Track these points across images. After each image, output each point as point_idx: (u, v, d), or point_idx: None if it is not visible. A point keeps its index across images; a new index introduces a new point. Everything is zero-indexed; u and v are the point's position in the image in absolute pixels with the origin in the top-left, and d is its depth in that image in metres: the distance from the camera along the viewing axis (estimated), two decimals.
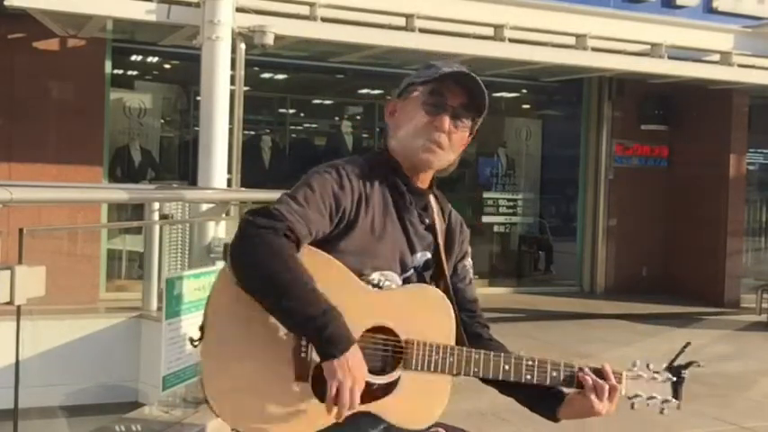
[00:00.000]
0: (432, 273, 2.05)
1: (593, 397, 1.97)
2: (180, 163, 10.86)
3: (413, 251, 2.01)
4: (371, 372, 1.84)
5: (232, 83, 7.27)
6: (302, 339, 1.81)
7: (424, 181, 2.07)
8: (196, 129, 8.34)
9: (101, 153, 9.22)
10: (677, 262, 11.64)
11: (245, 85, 7.76)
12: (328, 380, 1.76)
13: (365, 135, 12.60)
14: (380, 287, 1.93)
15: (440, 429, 2.02)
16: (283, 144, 11.87)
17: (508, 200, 12.12)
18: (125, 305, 7.24)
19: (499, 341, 2.17)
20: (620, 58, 9.50)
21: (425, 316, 1.94)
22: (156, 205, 6.32)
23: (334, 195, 1.89)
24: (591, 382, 1.97)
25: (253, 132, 11.19)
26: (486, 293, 11.07)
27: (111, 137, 9.58)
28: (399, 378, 1.88)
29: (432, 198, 2.11)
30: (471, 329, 2.13)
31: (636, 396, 2.04)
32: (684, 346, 2.06)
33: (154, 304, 6.35)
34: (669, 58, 9.49)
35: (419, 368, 1.88)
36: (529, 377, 1.96)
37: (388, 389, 1.88)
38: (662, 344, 8.49)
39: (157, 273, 6.35)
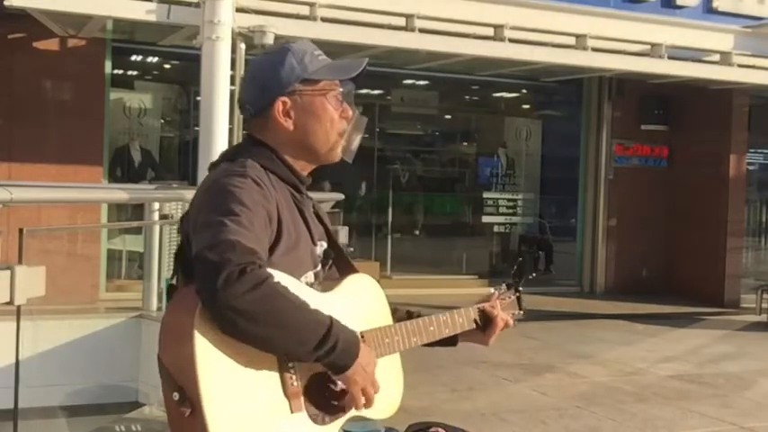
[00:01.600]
0: (332, 259, 2.01)
1: (490, 332, 2.19)
2: (180, 163, 10.87)
3: (314, 244, 1.96)
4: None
5: (232, 83, 7.27)
6: (290, 371, 1.74)
7: (308, 171, 2.01)
8: (196, 129, 8.34)
9: (101, 153, 9.22)
10: (677, 262, 11.64)
11: None
12: (350, 388, 1.75)
13: (365, 135, 12.58)
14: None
15: (440, 429, 2.02)
16: None
17: (508, 200, 12.12)
18: (125, 305, 7.25)
19: None
20: (620, 58, 9.50)
21: (368, 303, 1.96)
22: (156, 205, 6.33)
23: (266, 210, 1.78)
24: (499, 324, 2.19)
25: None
26: (486, 293, 11.03)
27: (111, 137, 9.58)
28: None
29: None
30: None
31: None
32: (518, 261, 2.38)
33: (154, 304, 6.35)
34: (669, 58, 9.49)
35: (377, 356, 1.88)
36: (447, 330, 2.10)
37: None
38: (662, 344, 8.50)
39: (157, 273, 6.36)
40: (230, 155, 1.93)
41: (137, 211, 7.59)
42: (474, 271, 12.07)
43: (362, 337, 1.85)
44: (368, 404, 1.77)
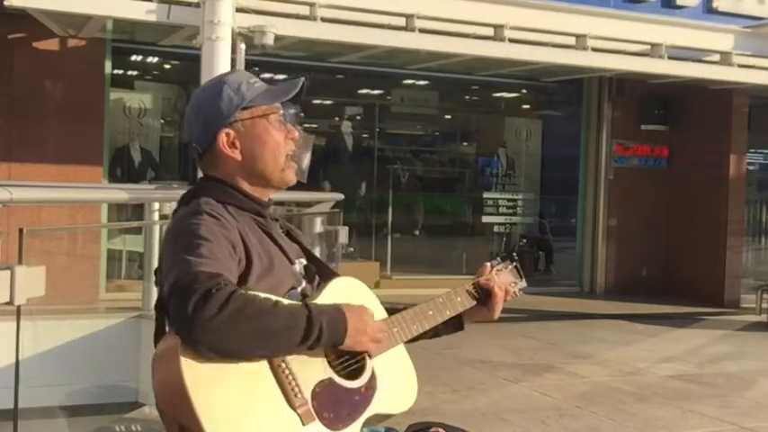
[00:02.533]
0: (315, 273, 2.02)
1: (492, 304, 2.21)
2: (180, 163, 10.87)
3: (291, 263, 1.97)
4: (350, 378, 1.84)
5: None
6: (291, 384, 1.72)
7: (267, 194, 2.02)
8: None
9: (101, 153, 9.22)
10: (677, 262, 11.64)
11: None
12: (358, 348, 1.81)
13: (365, 135, 12.61)
14: None
15: (440, 429, 2.02)
16: None
17: (508, 200, 12.12)
18: (125, 305, 7.24)
19: None
20: (620, 58, 9.50)
21: (360, 301, 1.93)
22: (156, 205, 6.32)
23: (228, 240, 1.78)
24: (499, 295, 2.21)
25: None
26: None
27: (111, 137, 9.58)
28: (374, 370, 1.89)
29: None
30: None
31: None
32: (514, 246, 2.34)
33: (154, 304, 6.34)
34: (669, 58, 9.49)
35: (380, 351, 1.90)
36: (448, 312, 2.11)
37: (372, 385, 1.88)
38: (662, 344, 8.50)
39: None
40: (186, 199, 1.95)
41: (137, 211, 7.59)
42: (474, 271, 11.73)
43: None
44: (383, 345, 1.86)
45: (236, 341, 1.63)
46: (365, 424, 1.84)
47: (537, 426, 5.25)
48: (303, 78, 2.00)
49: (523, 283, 2.33)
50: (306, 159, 1.89)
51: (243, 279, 1.79)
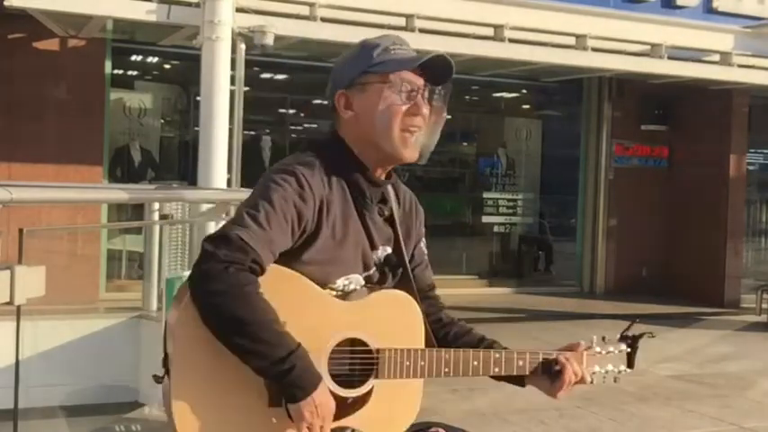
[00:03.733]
0: (393, 266, 1.99)
1: (559, 385, 2.03)
2: (180, 163, 10.86)
3: (374, 248, 1.94)
4: (344, 385, 1.82)
5: (232, 83, 7.27)
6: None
7: (383, 171, 1.96)
8: (196, 129, 8.34)
9: (101, 153, 9.22)
10: (677, 262, 11.63)
11: (245, 86, 7.76)
12: (296, 422, 1.73)
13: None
14: (345, 291, 1.89)
15: (440, 429, 2.01)
16: (283, 144, 11.86)
17: (508, 200, 12.12)
18: (125, 305, 7.25)
19: (456, 320, 2.15)
20: (620, 58, 9.50)
21: (395, 321, 1.90)
22: (156, 205, 6.32)
23: (297, 209, 1.79)
24: (566, 379, 2.02)
25: (253, 132, 11.18)
26: (486, 293, 11.06)
27: (111, 137, 9.58)
28: (373, 388, 1.85)
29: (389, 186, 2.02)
30: (432, 317, 2.09)
31: (593, 373, 2.09)
32: (634, 320, 2.12)
33: (154, 304, 6.35)
34: (669, 58, 9.48)
35: (391, 376, 1.85)
36: (497, 370, 1.99)
37: (363, 400, 1.85)
38: (662, 344, 8.49)
39: (157, 273, 6.36)
40: (304, 146, 1.98)
41: (137, 211, 7.59)
42: (474, 271, 12.07)
43: (378, 352, 1.84)
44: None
45: (216, 323, 1.69)
46: None
47: (537, 426, 5.25)
48: (443, 56, 1.90)
49: (626, 370, 2.10)
50: (431, 142, 1.77)
51: (303, 246, 1.81)
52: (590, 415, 5.56)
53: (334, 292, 1.87)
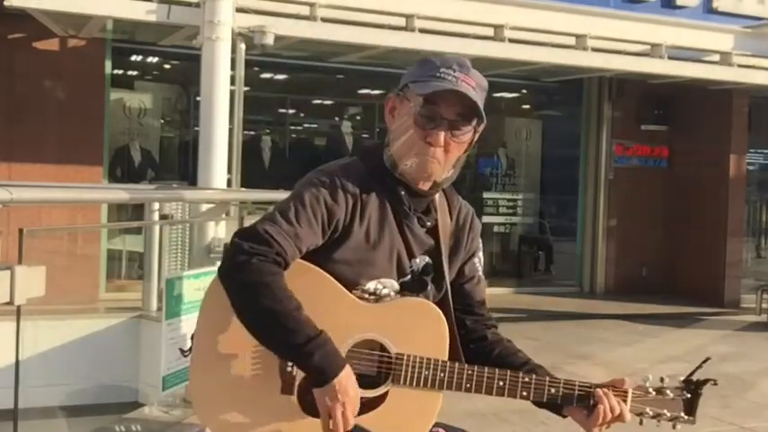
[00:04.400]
0: (432, 277, 1.99)
1: (593, 420, 1.94)
2: (180, 163, 10.86)
3: (411, 256, 1.96)
4: (360, 385, 1.83)
5: (232, 83, 7.27)
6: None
7: (427, 183, 1.96)
8: (196, 129, 8.34)
9: (101, 153, 9.22)
10: (677, 262, 11.63)
11: (245, 85, 7.76)
12: (320, 406, 1.76)
13: (365, 135, 12.59)
14: (377, 295, 1.90)
15: (440, 429, 2.01)
16: (283, 144, 11.87)
17: (508, 200, 12.12)
18: (125, 305, 7.24)
19: (504, 341, 2.14)
20: (620, 58, 9.50)
21: (419, 330, 1.89)
22: (156, 205, 6.32)
23: (327, 208, 1.85)
24: (602, 412, 1.93)
25: (253, 132, 11.18)
26: (486, 293, 11.03)
27: (111, 137, 9.58)
28: (388, 392, 1.86)
29: (438, 197, 2.02)
30: (477, 334, 2.09)
31: (642, 414, 1.98)
32: (704, 361, 2.00)
33: (154, 304, 6.35)
34: (669, 58, 9.49)
35: (409, 383, 1.85)
36: (525, 394, 1.91)
37: (376, 402, 1.86)
38: (662, 344, 8.50)
39: (157, 273, 6.36)
40: (354, 150, 2.02)
41: (137, 211, 7.59)
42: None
43: (397, 357, 1.85)
44: (334, 428, 1.76)
45: (241, 310, 1.78)
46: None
47: (537, 426, 5.24)
48: (449, 87, 1.86)
49: (684, 416, 1.96)
50: (447, 176, 1.70)
51: (335, 245, 1.87)
52: None
53: (366, 295, 1.89)
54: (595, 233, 11.84)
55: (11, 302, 3.00)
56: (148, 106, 10.31)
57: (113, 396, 5.94)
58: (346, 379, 1.76)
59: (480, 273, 2.14)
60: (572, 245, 12.26)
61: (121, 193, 5.91)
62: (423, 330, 1.89)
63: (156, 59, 10.77)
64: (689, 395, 1.97)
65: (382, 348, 1.86)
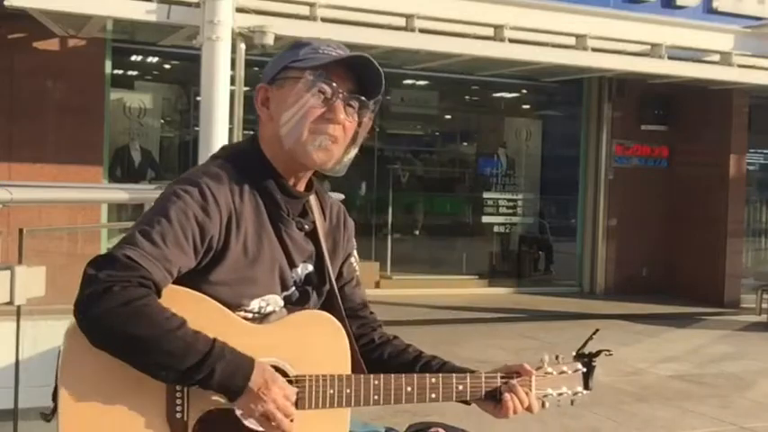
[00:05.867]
0: (315, 285, 1.83)
1: (502, 412, 1.93)
2: (180, 163, 10.87)
3: (293, 266, 1.78)
4: None
5: (232, 83, 7.27)
6: (176, 400, 1.60)
7: (302, 182, 1.81)
8: (196, 129, 8.34)
9: (101, 153, 9.22)
10: (677, 262, 11.64)
11: (245, 85, 7.76)
12: (252, 416, 1.59)
13: (365, 135, 12.58)
14: (262, 314, 1.73)
15: (439, 429, 2.00)
16: None
17: (508, 200, 12.12)
18: None
19: (392, 339, 1.99)
20: (620, 58, 9.50)
21: (316, 344, 1.72)
22: None
23: (199, 224, 1.62)
24: (510, 404, 1.91)
25: (252, 132, 11.18)
26: (486, 293, 11.05)
27: (111, 137, 9.58)
28: (292, 420, 1.64)
29: (311, 197, 1.85)
30: (364, 339, 1.94)
31: (546, 395, 1.96)
32: (593, 334, 2.00)
33: None
34: (669, 58, 9.49)
35: (315, 405, 1.67)
36: (434, 396, 1.81)
37: None
38: (662, 344, 8.50)
39: None
40: (218, 153, 1.84)
41: (137, 211, 7.58)
42: (474, 271, 12.06)
43: (297, 379, 1.66)
44: (281, 426, 1.59)
45: (114, 345, 1.53)
46: None
47: (537, 426, 5.24)
48: (369, 59, 1.73)
49: (582, 391, 1.96)
50: (348, 153, 1.57)
51: (210, 265, 1.65)
52: (590, 415, 5.56)
53: (250, 315, 1.71)
54: (595, 233, 11.84)
55: (11, 302, 3.00)
56: (148, 106, 10.32)
57: None
58: (260, 374, 1.58)
59: (358, 273, 1.99)
60: (572, 245, 12.27)
61: (121, 193, 5.90)
62: (322, 345, 1.72)
63: (155, 59, 10.78)
64: (585, 369, 1.97)
65: (281, 372, 1.66)
